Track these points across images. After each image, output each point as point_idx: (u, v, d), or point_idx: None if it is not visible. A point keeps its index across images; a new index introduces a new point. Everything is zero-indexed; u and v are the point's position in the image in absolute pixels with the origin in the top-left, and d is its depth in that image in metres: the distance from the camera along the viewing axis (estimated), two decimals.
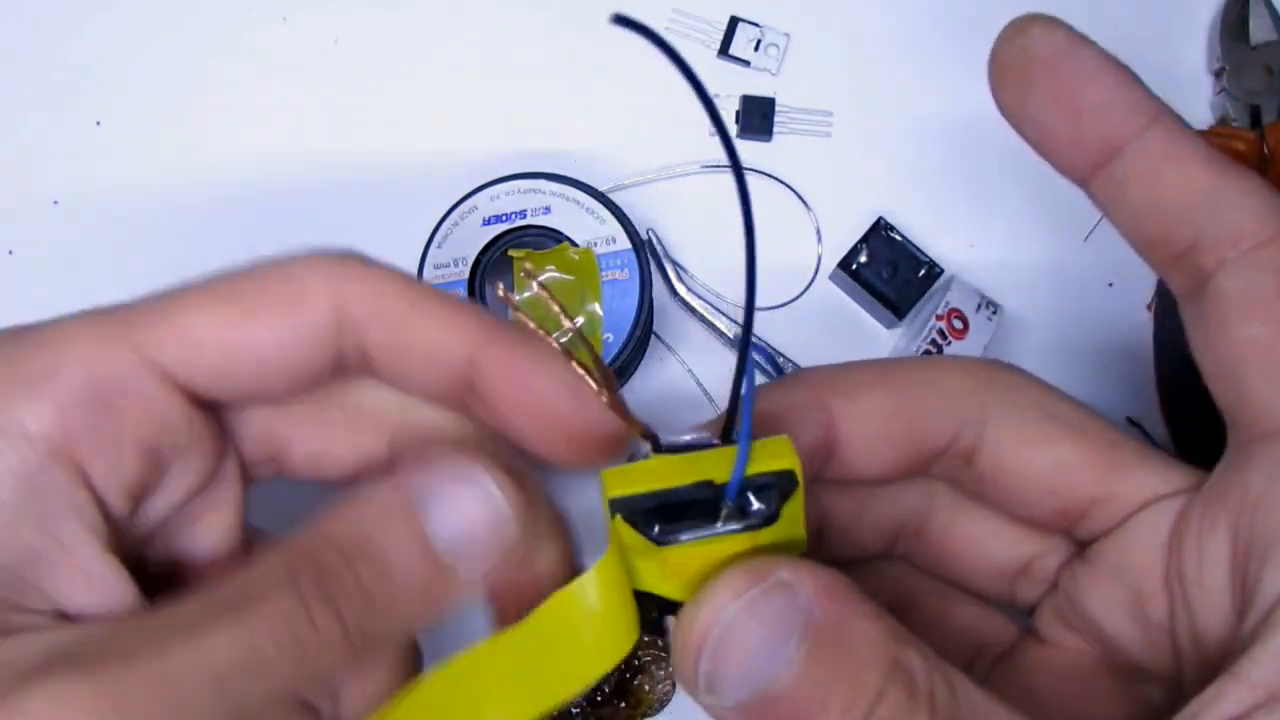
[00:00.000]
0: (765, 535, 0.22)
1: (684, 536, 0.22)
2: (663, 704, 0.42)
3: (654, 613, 0.23)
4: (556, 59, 0.49)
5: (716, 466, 0.22)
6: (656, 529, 0.22)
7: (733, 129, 0.48)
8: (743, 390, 0.21)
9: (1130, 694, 0.27)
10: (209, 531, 0.27)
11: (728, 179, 0.49)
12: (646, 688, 0.42)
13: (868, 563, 0.31)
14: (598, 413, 0.23)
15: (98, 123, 0.49)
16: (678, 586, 0.23)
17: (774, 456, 0.22)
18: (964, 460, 0.27)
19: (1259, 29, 0.48)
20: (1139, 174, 0.24)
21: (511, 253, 0.43)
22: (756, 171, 0.48)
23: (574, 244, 0.42)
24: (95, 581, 0.23)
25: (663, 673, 0.42)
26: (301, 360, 0.25)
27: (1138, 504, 0.25)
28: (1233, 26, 0.48)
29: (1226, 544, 0.23)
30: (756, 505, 0.22)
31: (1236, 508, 0.23)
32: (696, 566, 0.22)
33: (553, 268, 0.42)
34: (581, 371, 0.22)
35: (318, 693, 0.24)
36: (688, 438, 0.23)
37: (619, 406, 0.22)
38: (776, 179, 0.48)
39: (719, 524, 0.22)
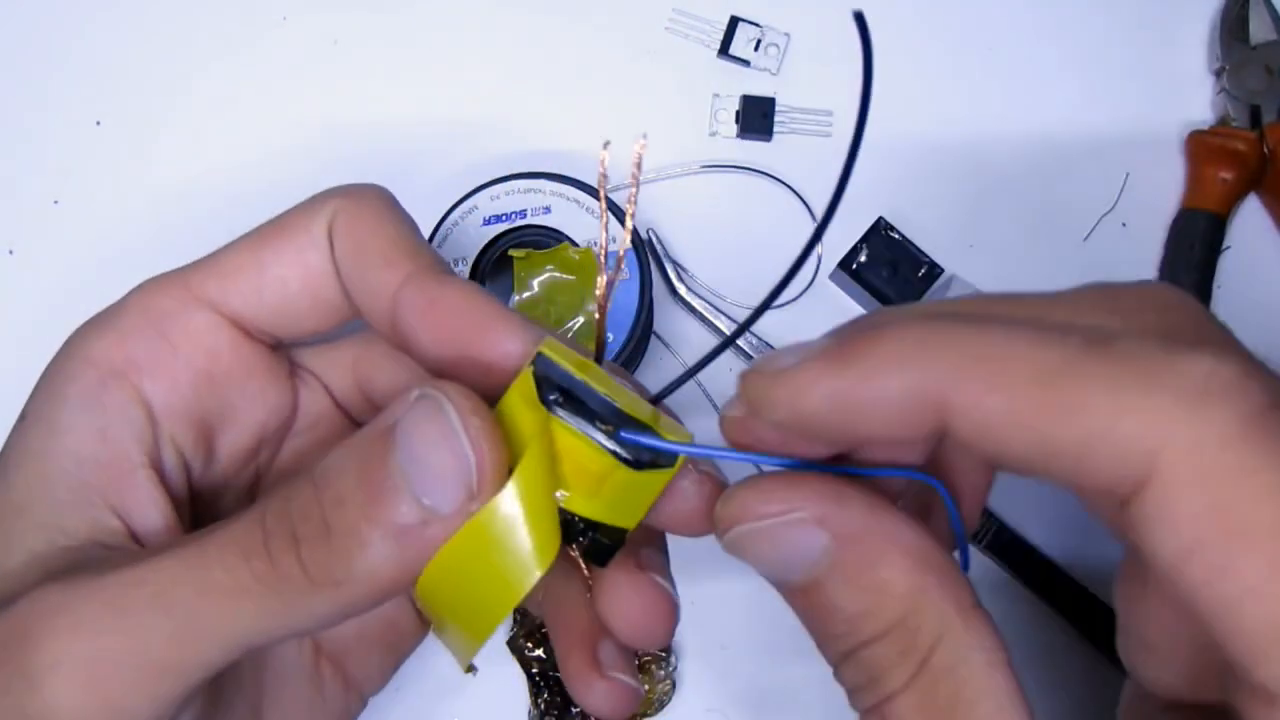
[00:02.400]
0: (621, 474, 0.23)
1: (564, 416, 0.23)
2: (662, 704, 0.42)
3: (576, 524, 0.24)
4: (557, 59, 0.49)
5: (631, 402, 0.24)
6: (553, 398, 0.23)
7: (734, 129, 0.48)
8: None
9: None
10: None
11: (728, 179, 0.49)
12: (646, 687, 0.42)
13: None
14: (502, 338, 0.25)
15: (98, 123, 0.49)
16: (576, 486, 0.24)
17: (673, 431, 0.24)
18: None
19: (1259, 29, 0.48)
20: None
21: (512, 252, 0.42)
22: (756, 171, 0.48)
23: (574, 244, 0.42)
24: (140, 495, 0.26)
25: (663, 672, 0.42)
26: (317, 283, 0.27)
27: None
28: (1233, 26, 0.48)
29: None
30: (632, 453, 0.23)
31: None
32: (572, 465, 0.23)
33: (553, 267, 0.42)
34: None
35: (283, 636, 0.23)
36: (625, 383, 0.25)
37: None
38: (776, 179, 0.48)
39: (599, 433, 0.23)
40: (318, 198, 0.28)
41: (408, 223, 0.28)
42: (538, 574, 0.22)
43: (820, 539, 0.21)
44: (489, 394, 0.24)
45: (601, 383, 0.24)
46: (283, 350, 0.30)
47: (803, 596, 0.22)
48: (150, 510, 0.26)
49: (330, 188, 0.28)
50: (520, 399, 0.23)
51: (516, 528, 0.22)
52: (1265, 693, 0.18)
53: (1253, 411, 0.18)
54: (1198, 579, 0.18)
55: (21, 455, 0.26)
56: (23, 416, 0.26)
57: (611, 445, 0.23)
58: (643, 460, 0.24)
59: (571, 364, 0.23)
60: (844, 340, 0.21)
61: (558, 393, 0.23)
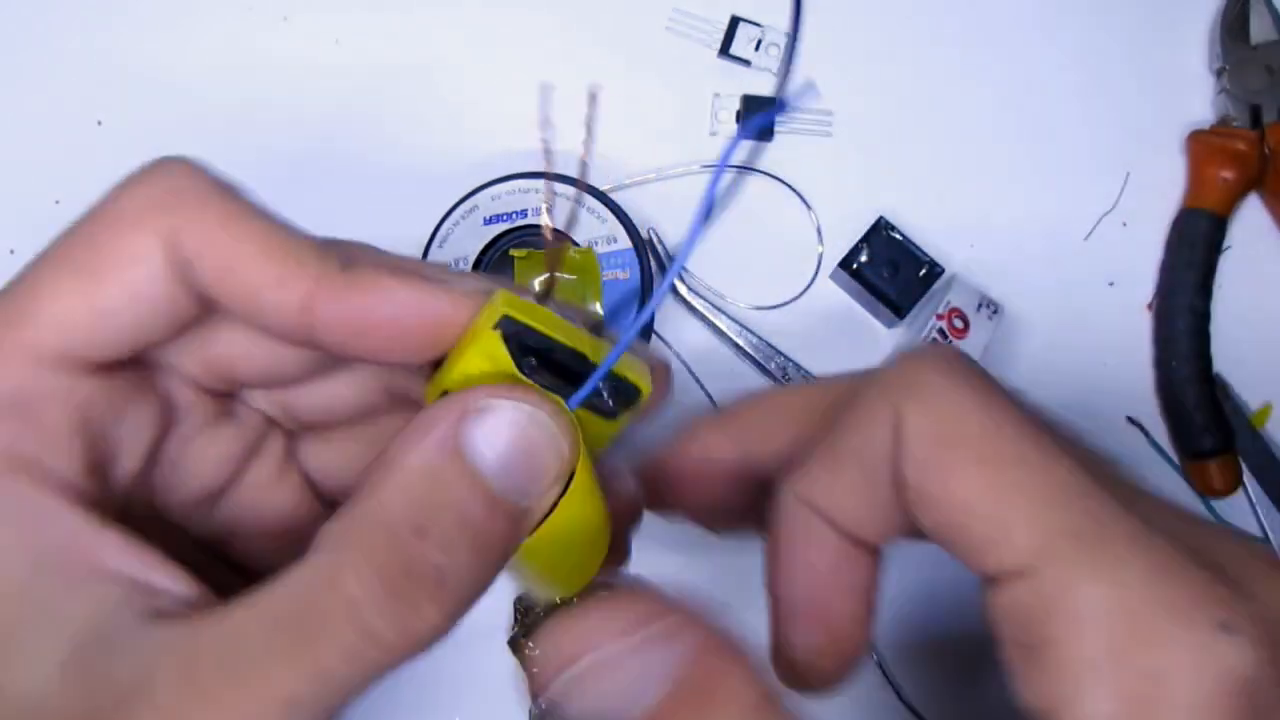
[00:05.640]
0: (596, 423, 0.24)
1: (539, 380, 0.22)
2: None
3: None
4: (557, 59, 0.49)
5: (591, 348, 0.23)
6: (526, 362, 0.22)
7: (734, 129, 0.48)
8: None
9: None
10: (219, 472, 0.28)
11: (728, 178, 0.49)
12: None
13: None
14: (445, 309, 0.23)
15: (98, 122, 0.49)
16: None
17: (637, 373, 0.24)
18: None
19: (1259, 29, 0.48)
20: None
21: (512, 252, 0.43)
22: (757, 171, 0.48)
23: (575, 243, 0.42)
24: (109, 549, 0.24)
25: None
26: (163, 305, 0.25)
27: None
28: (1233, 26, 0.48)
29: None
30: (606, 398, 0.23)
31: None
32: None
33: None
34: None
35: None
36: (570, 316, 0.24)
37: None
38: (777, 179, 0.48)
39: (574, 394, 0.23)
40: (125, 210, 0.25)
41: (258, 209, 0.25)
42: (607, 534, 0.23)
43: (669, 659, 0.22)
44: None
45: (561, 330, 0.23)
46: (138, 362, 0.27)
47: None
48: (124, 556, 0.24)
49: (134, 177, 0.25)
50: (482, 359, 0.22)
51: (590, 500, 0.23)
52: (987, 577, 0.21)
53: (969, 367, 0.23)
54: (931, 485, 0.22)
55: None
56: None
57: (584, 402, 0.23)
58: (616, 409, 0.24)
59: (535, 319, 0.23)
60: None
61: (529, 354, 0.22)
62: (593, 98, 0.23)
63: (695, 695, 0.22)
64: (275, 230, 0.24)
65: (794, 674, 0.25)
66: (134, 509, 0.27)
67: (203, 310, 0.25)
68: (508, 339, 0.22)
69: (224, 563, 0.29)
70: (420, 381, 0.26)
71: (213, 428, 0.28)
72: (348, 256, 0.24)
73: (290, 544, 0.28)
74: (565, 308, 0.24)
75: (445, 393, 0.23)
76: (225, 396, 0.29)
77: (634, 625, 0.22)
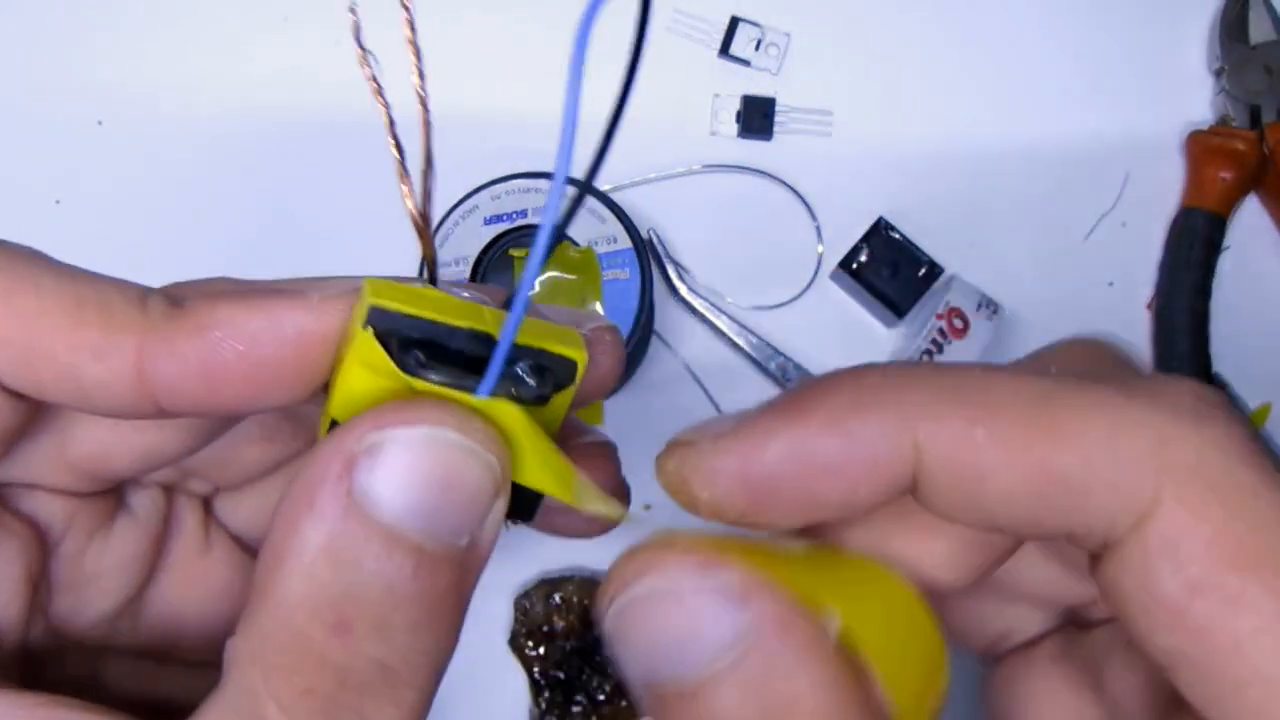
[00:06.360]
0: (533, 414, 0.19)
1: (435, 377, 0.18)
2: None
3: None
4: (558, 59, 0.49)
5: (496, 324, 0.19)
6: (413, 358, 0.18)
7: (734, 129, 0.48)
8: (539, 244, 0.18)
9: None
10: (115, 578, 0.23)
11: (728, 179, 0.49)
12: None
13: None
14: (305, 322, 0.19)
15: (99, 122, 0.49)
16: None
17: (563, 343, 0.19)
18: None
19: (1259, 29, 0.48)
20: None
21: (512, 252, 0.43)
22: (757, 171, 0.48)
23: (575, 244, 0.42)
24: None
25: None
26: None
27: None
28: (1233, 26, 0.48)
29: None
30: (530, 380, 0.19)
31: None
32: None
33: (554, 267, 0.42)
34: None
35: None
36: (466, 294, 0.19)
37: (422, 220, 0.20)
38: (777, 179, 0.48)
39: (480, 382, 0.18)
40: None
41: (47, 265, 0.19)
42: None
43: (738, 620, 0.17)
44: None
45: (451, 309, 0.19)
46: None
47: (674, 704, 0.17)
48: None
49: None
50: (361, 371, 0.18)
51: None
52: None
53: (1248, 433, 0.16)
54: (1206, 616, 0.16)
55: None
56: None
57: (500, 390, 0.18)
58: (545, 393, 0.19)
59: (412, 303, 0.18)
60: (791, 395, 0.18)
61: (415, 349, 0.18)
62: (408, 23, 0.18)
63: (761, 685, 0.17)
64: (74, 286, 0.19)
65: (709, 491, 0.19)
66: (36, 654, 0.22)
67: (28, 412, 0.20)
68: (382, 336, 0.18)
69: (174, 661, 0.25)
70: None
71: (105, 531, 0.23)
72: (177, 295, 0.19)
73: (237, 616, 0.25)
74: (471, 289, 0.20)
75: (334, 423, 0.18)
76: (111, 491, 0.23)
77: (709, 567, 0.17)
